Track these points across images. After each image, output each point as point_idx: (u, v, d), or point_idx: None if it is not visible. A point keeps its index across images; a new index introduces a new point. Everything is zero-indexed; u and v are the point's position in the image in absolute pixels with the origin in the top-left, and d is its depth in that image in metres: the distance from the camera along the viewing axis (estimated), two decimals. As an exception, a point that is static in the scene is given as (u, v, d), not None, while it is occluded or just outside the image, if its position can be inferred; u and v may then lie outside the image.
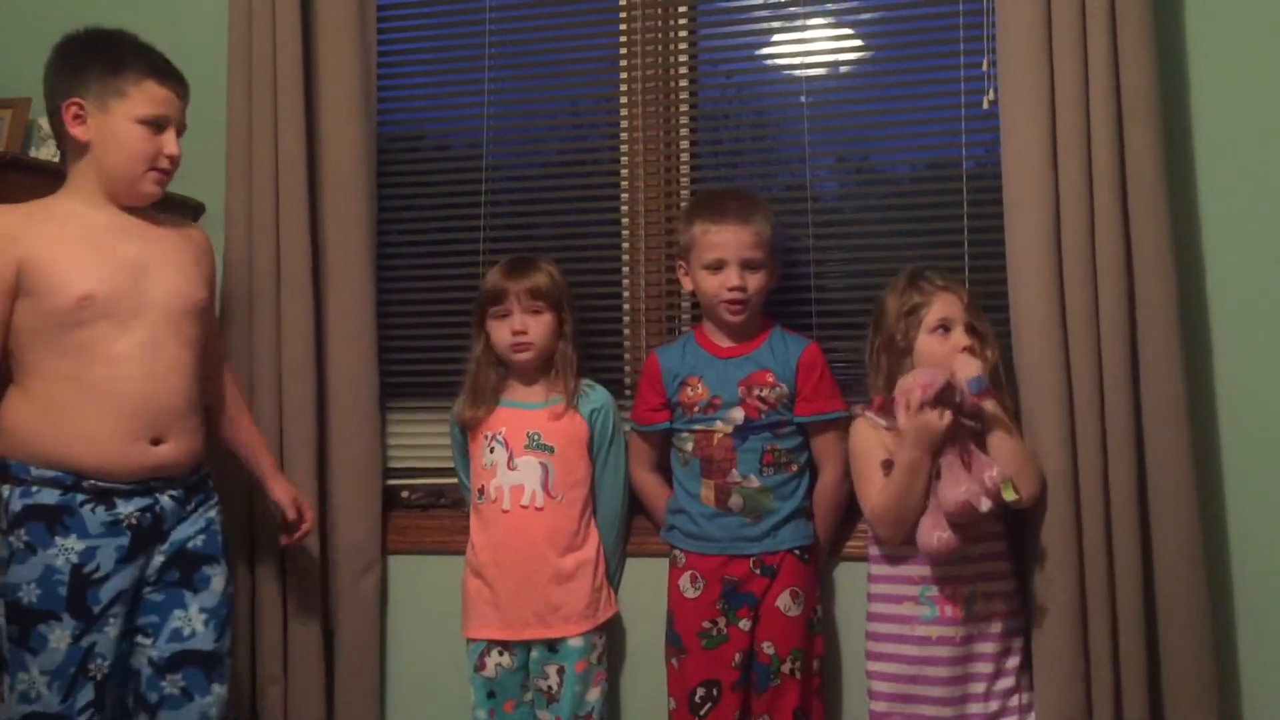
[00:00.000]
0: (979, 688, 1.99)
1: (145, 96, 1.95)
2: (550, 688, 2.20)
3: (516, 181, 2.54)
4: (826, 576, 2.28)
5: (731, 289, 2.12)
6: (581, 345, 2.34)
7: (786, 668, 2.11)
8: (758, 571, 2.13)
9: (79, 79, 1.95)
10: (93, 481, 1.90)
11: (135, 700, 1.97)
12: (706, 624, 2.14)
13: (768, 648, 2.12)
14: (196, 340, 2.01)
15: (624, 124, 2.47)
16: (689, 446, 2.18)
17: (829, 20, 2.39)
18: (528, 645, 2.22)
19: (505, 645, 2.22)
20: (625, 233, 2.46)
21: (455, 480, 2.42)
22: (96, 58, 1.97)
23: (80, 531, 1.88)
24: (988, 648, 2.00)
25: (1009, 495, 1.87)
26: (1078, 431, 2.01)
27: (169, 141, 1.97)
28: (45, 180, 2.18)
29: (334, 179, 2.40)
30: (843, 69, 2.40)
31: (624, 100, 2.47)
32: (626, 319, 2.46)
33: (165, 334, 1.95)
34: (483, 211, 2.50)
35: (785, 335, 2.21)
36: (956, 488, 1.89)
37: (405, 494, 2.52)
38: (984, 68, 2.19)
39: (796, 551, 2.15)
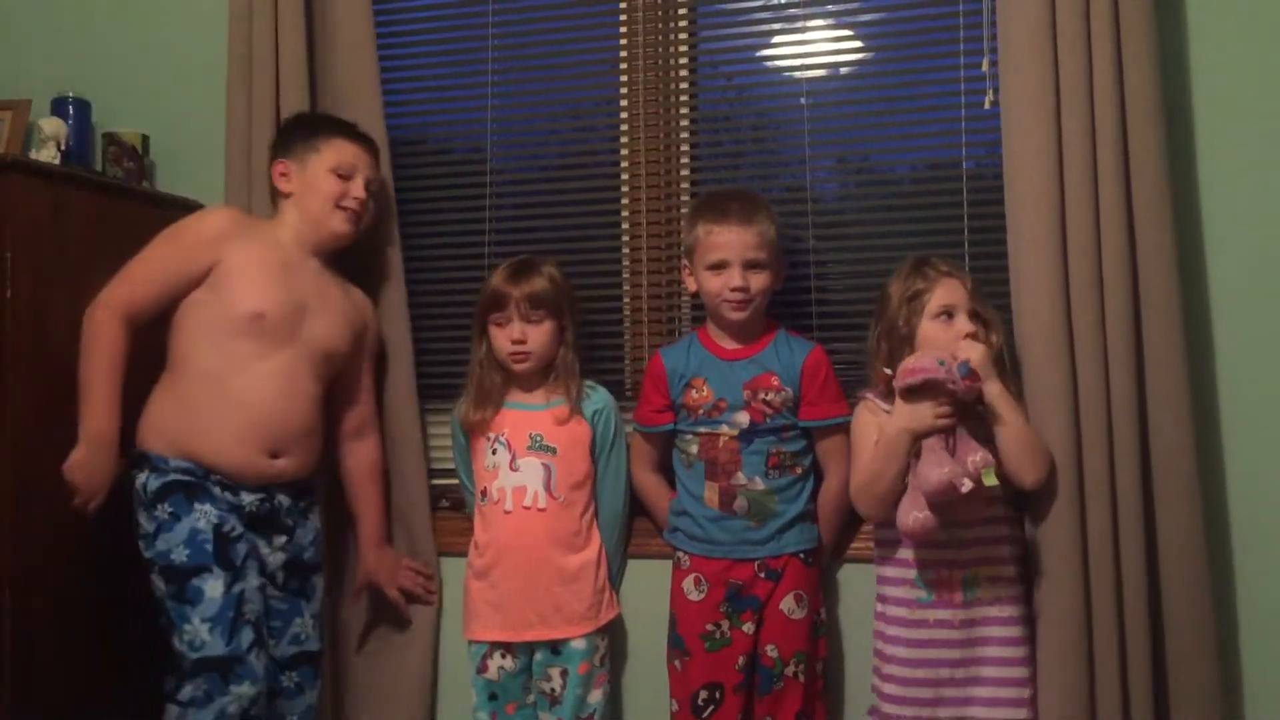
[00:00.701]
0: (988, 672, 1.98)
1: (334, 150, 2.25)
2: (553, 689, 2.20)
3: (519, 184, 2.54)
4: (831, 579, 2.28)
5: (734, 289, 2.12)
6: (583, 347, 2.34)
7: (790, 671, 2.11)
8: (762, 575, 2.13)
9: (284, 145, 2.29)
10: (221, 476, 2.12)
11: None
12: (710, 626, 2.13)
13: (771, 651, 2.12)
14: (329, 379, 2.27)
15: (625, 126, 2.47)
16: (694, 449, 2.18)
17: (829, 22, 2.39)
18: (531, 647, 2.22)
19: (508, 647, 2.22)
20: (626, 235, 2.46)
21: (456, 481, 2.42)
22: (299, 129, 2.30)
23: (213, 501, 2.10)
24: (994, 632, 1.98)
25: (989, 480, 1.86)
26: (1082, 430, 2.01)
27: (356, 186, 2.25)
28: (46, 183, 2.18)
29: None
30: (842, 70, 2.40)
31: (625, 103, 2.47)
32: (627, 321, 2.46)
33: (306, 368, 2.19)
34: (487, 214, 2.50)
35: (790, 338, 2.21)
36: (939, 469, 1.88)
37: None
38: (984, 68, 2.20)
39: (801, 555, 2.15)
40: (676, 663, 2.17)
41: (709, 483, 2.16)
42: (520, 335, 2.22)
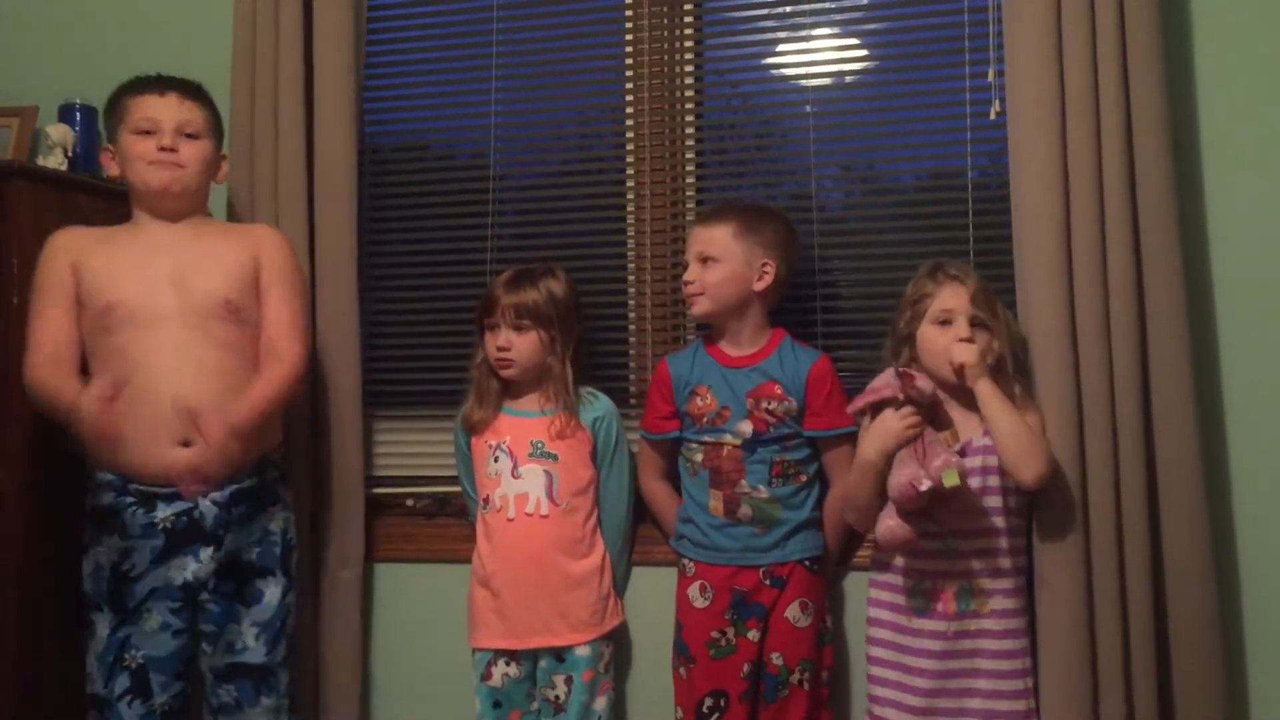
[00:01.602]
0: (983, 684, 1.97)
1: (130, 111, 2.11)
2: (558, 697, 2.20)
3: (523, 191, 2.55)
4: (836, 586, 2.28)
5: (686, 281, 2.19)
6: (587, 354, 2.34)
7: (795, 678, 2.11)
8: (767, 582, 2.13)
9: (105, 129, 2.18)
10: (136, 485, 2.02)
11: (205, 703, 2.14)
12: (715, 634, 2.14)
13: (776, 659, 2.12)
14: (237, 341, 2.08)
15: (630, 134, 2.47)
16: (698, 457, 2.19)
17: (834, 30, 2.39)
18: (535, 655, 2.21)
19: (512, 655, 2.22)
20: (631, 242, 2.47)
21: (459, 489, 2.42)
22: (107, 107, 2.17)
23: (121, 533, 2.02)
24: (988, 644, 1.98)
25: (950, 480, 1.87)
26: (1088, 438, 2.01)
27: (160, 138, 2.08)
28: (52, 190, 2.19)
29: (325, 187, 2.40)
30: (848, 79, 2.40)
31: (630, 110, 2.47)
32: (632, 328, 2.46)
33: (194, 336, 2.03)
34: (489, 221, 2.51)
35: (795, 346, 2.21)
36: (901, 472, 1.91)
37: (410, 502, 2.52)
38: (989, 78, 2.20)
39: (806, 562, 2.15)
40: (682, 670, 2.17)
41: (713, 490, 2.17)
42: (505, 343, 2.23)
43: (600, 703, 2.21)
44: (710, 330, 2.27)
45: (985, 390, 1.94)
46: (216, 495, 2.05)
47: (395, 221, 2.53)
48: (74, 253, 2.07)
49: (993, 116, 2.18)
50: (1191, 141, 2.15)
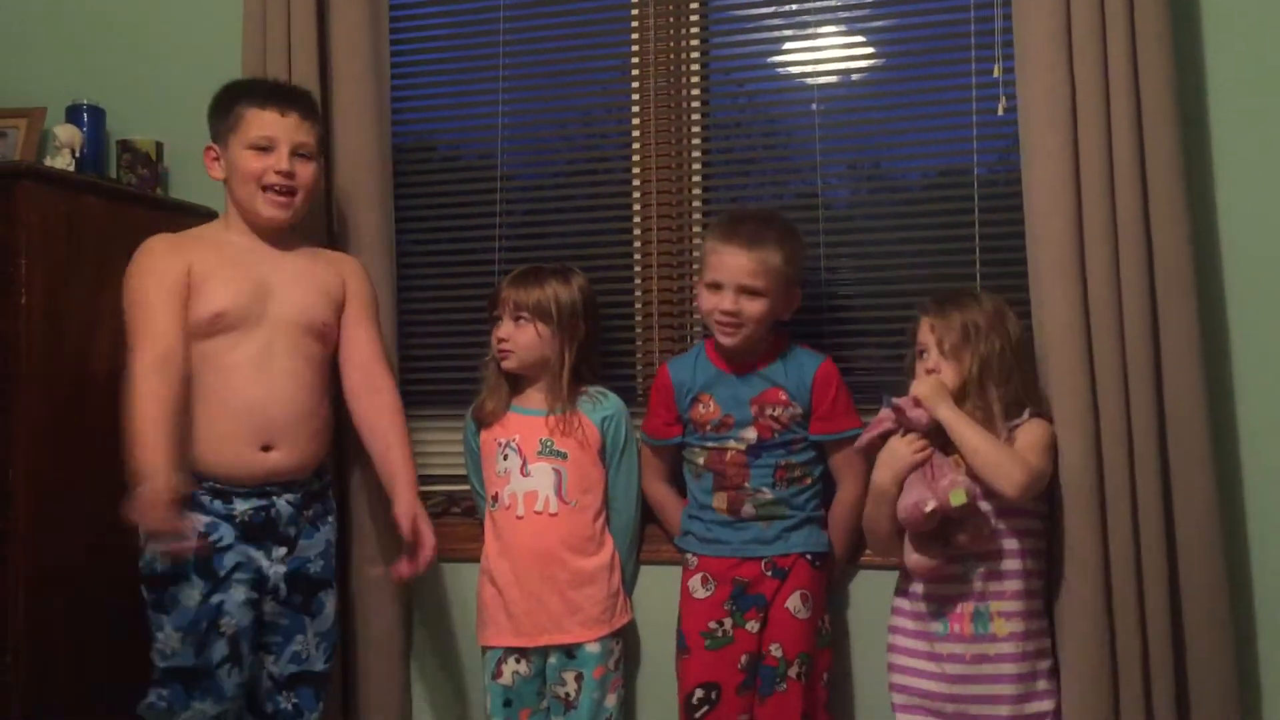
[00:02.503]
0: (1002, 710, 1.96)
1: (248, 123, 2.11)
2: (568, 694, 2.19)
3: (530, 191, 2.55)
4: (844, 587, 2.28)
5: (724, 312, 2.09)
6: (594, 354, 2.34)
7: (794, 671, 2.10)
8: (769, 573, 2.13)
9: (211, 128, 2.16)
10: (211, 483, 2.04)
11: (251, 705, 2.12)
12: (713, 624, 2.13)
13: (775, 650, 2.11)
14: (318, 356, 2.15)
15: (636, 133, 2.47)
16: (701, 460, 2.19)
17: (840, 28, 2.39)
18: (545, 652, 2.21)
19: (523, 653, 2.22)
20: (637, 241, 2.47)
21: (468, 487, 2.42)
22: (217, 106, 2.16)
23: (202, 511, 2.03)
24: (1007, 669, 1.96)
25: (957, 500, 1.88)
26: (1103, 436, 2.00)
27: (277, 160, 2.10)
28: (60, 190, 2.20)
29: (347, 188, 2.40)
30: (854, 77, 2.40)
31: (636, 109, 2.48)
32: (639, 327, 2.46)
33: (281, 348, 2.09)
34: (497, 220, 2.51)
35: (800, 350, 2.19)
36: (909, 494, 1.93)
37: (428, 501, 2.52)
38: (996, 74, 2.20)
39: (809, 556, 2.15)
40: (679, 661, 2.18)
41: (717, 491, 2.17)
42: (505, 334, 2.25)
43: (611, 700, 2.21)
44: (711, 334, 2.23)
45: (945, 415, 1.96)
46: (290, 496, 2.10)
47: (402, 222, 2.53)
48: (187, 259, 2.07)
49: (1000, 113, 2.18)
50: (1202, 135, 2.14)
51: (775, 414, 2.13)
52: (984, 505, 1.95)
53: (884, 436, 2.02)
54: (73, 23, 2.72)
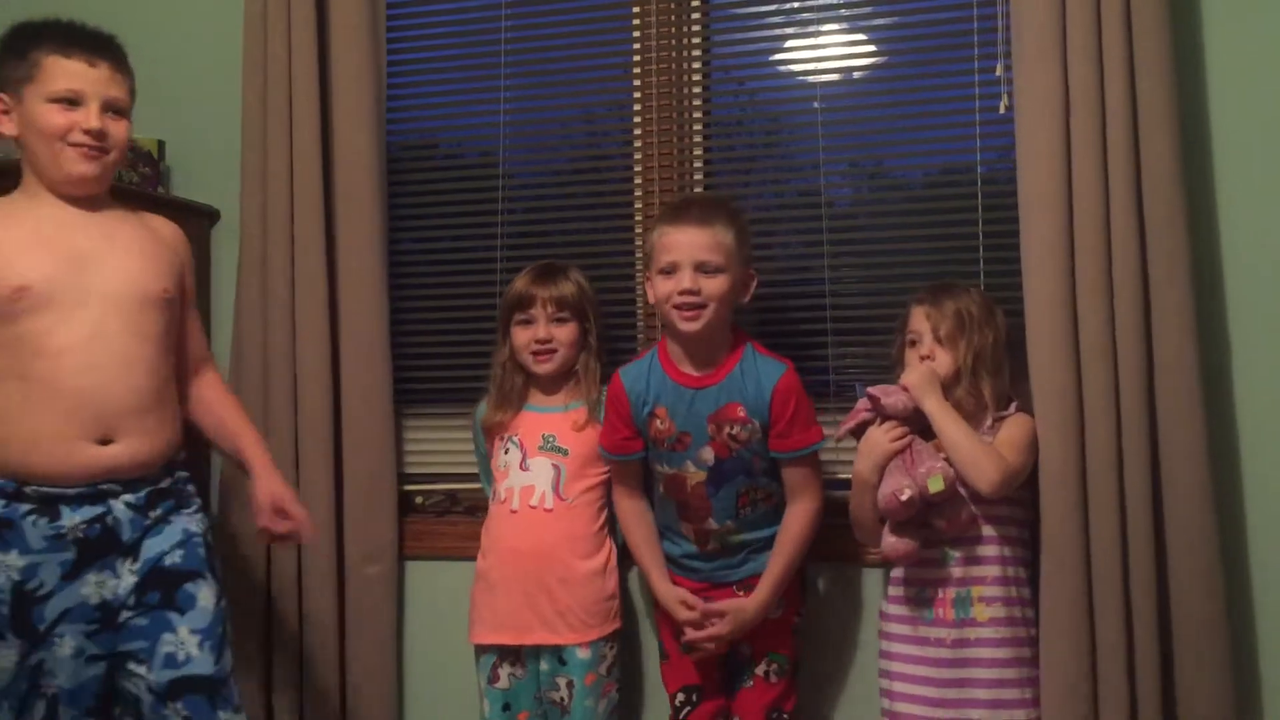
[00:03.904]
0: (981, 694, 1.96)
1: (49, 73, 1.83)
2: (562, 699, 2.17)
3: (531, 189, 2.55)
4: (837, 586, 2.27)
5: (682, 292, 1.99)
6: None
7: (760, 670, 2.10)
8: (741, 593, 2.10)
9: (1, 72, 1.87)
10: (36, 487, 1.78)
11: None
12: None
13: (744, 649, 2.11)
14: (157, 334, 1.90)
15: (638, 131, 2.47)
16: (661, 488, 2.14)
17: (842, 26, 2.39)
18: (537, 656, 2.19)
19: (516, 657, 2.20)
20: (639, 239, 2.46)
21: (470, 485, 2.42)
22: (9, 49, 1.88)
23: (21, 547, 1.76)
24: (985, 653, 1.97)
25: (935, 486, 1.89)
26: (1089, 435, 2.00)
27: (87, 116, 1.83)
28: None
29: (346, 186, 2.41)
30: (856, 75, 2.40)
31: (638, 108, 2.47)
32: (640, 325, 2.46)
33: (114, 326, 1.84)
34: (499, 219, 2.51)
35: (758, 356, 2.08)
36: (887, 482, 1.94)
37: (420, 499, 2.52)
38: (998, 72, 2.20)
39: None
40: (661, 667, 2.19)
41: (683, 521, 2.13)
42: (546, 334, 2.21)
43: (603, 705, 2.18)
44: (665, 340, 2.14)
45: (930, 406, 1.99)
46: (129, 497, 1.83)
47: (403, 220, 2.53)
48: None
49: (1001, 111, 2.17)
50: (1200, 135, 2.13)
51: (734, 432, 2.05)
52: (963, 492, 1.97)
53: (862, 426, 2.03)
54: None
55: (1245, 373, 2.12)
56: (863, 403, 2.03)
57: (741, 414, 2.05)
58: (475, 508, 2.43)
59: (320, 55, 2.40)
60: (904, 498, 1.90)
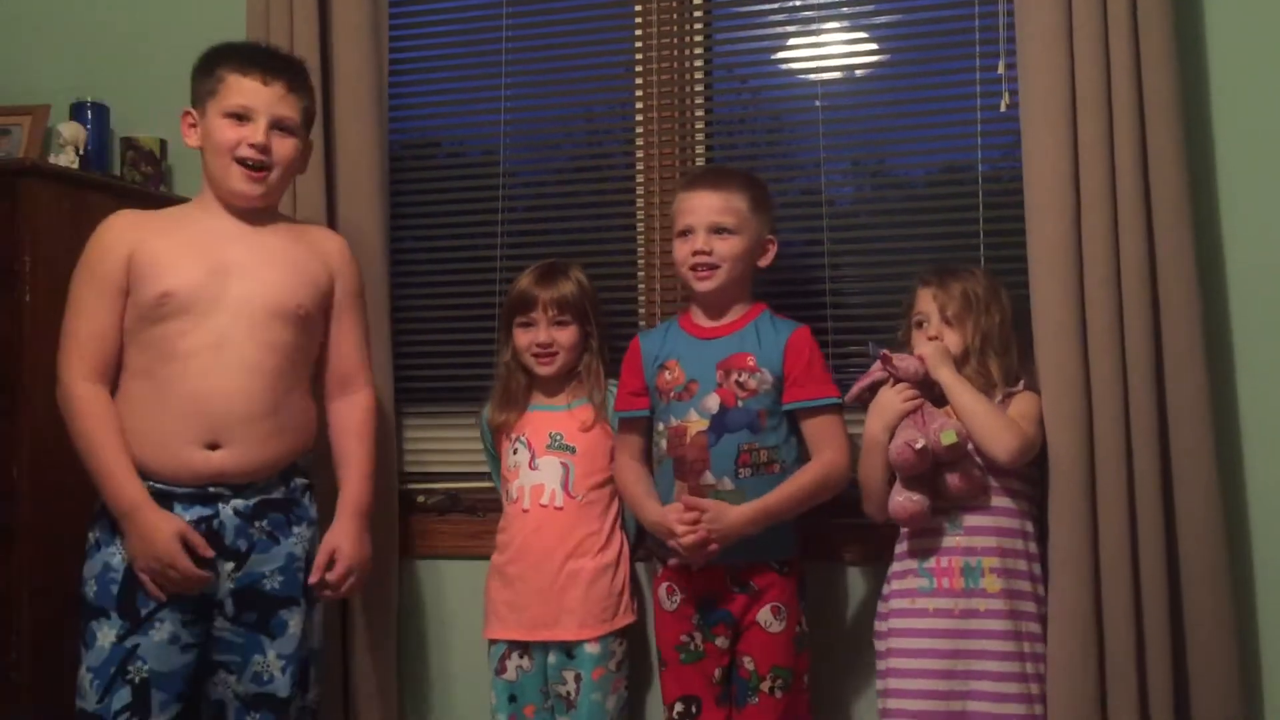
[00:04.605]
0: (991, 666, 1.94)
1: (227, 89, 1.96)
2: (569, 693, 2.18)
3: (532, 187, 2.55)
4: (838, 584, 2.27)
5: (696, 253, 2.06)
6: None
7: (765, 685, 2.04)
8: (735, 588, 2.05)
9: (192, 90, 2.02)
10: (152, 483, 1.89)
11: None
12: (684, 637, 2.09)
13: (748, 663, 2.06)
14: (285, 345, 1.97)
15: (639, 129, 2.47)
16: (663, 444, 2.10)
17: (843, 24, 2.39)
18: (545, 649, 2.20)
19: (525, 648, 2.21)
20: (641, 238, 2.46)
21: (471, 485, 2.43)
22: (200, 67, 2.02)
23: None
24: (995, 625, 1.95)
25: (948, 439, 1.91)
26: (1098, 433, 2.00)
27: (254, 131, 1.94)
28: (64, 188, 2.20)
29: (348, 184, 2.41)
30: (857, 73, 2.40)
31: (639, 106, 2.47)
32: (642, 323, 2.45)
33: (240, 334, 1.92)
34: (500, 218, 2.51)
35: (774, 319, 2.12)
36: (900, 436, 1.96)
37: (421, 498, 2.53)
38: (999, 70, 2.19)
39: (776, 565, 2.07)
40: (659, 671, 2.16)
41: (678, 482, 2.07)
42: (547, 338, 2.22)
43: (611, 701, 2.19)
44: (687, 306, 2.20)
45: (945, 377, 2.01)
46: (239, 503, 1.93)
47: (404, 218, 2.53)
48: (131, 243, 1.94)
49: (1002, 109, 2.17)
50: (1205, 134, 2.13)
51: (741, 379, 2.05)
52: (977, 459, 1.98)
53: (873, 388, 2.04)
54: (76, 20, 2.72)
55: (1249, 370, 2.12)
56: (876, 365, 2.04)
57: (751, 363, 2.06)
58: (476, 507, 2.43)
59: (322, 53, 2.40)
60: (917, 446, 1.90)
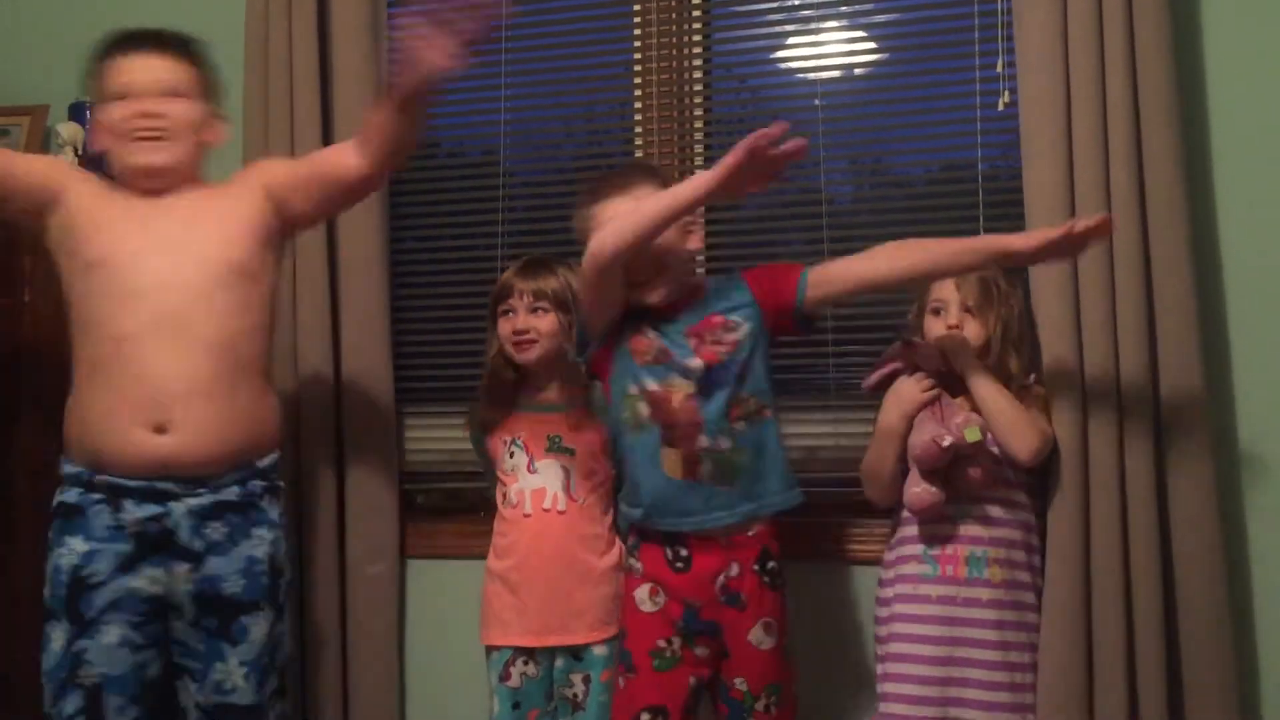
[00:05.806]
0: (987, 655, 1.95)
1: (110, 75, 1.89)
2: (576, 695, 2.16)
3: (533, 187, 2.55)
4: (841, 584, 2.27)
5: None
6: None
7: (760, 705, 1.96)
8: (723, 599, 1.94)
9: (90, 94, 1.95)
10: (104, 477, 1.82)
11: None
12: (661, 642, 1.95)
13: (740, 684, 1.95)
14: (236, 307, 1.86)
15: (639, 129, 2.48)
16: (644, 410, 1.94)
17: (842, 23, 2.39)
18: (552, 653, 2.18)
19: (530, 654, 2.18)
20: (640, 237, 2.46)
21: (471, 484, 2.42)
22: (88, 72, 1.94)
23: (86, 534, 1.82)
24: (991, 615, 1.95)
25: (972, 436, 1.90)
26: (1092, 432, 2.00)
27: (140, 103, 1.85)
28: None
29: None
30: (856, 72, 2.40)
31: (639, 105, 2.48)
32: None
33: (189, 311, 1.82)
34: (500, 217, 2.51)
35: (718, 277, 2.07)
36: (923, 430, 1.95)
37: (421, 498, 2.53)
38: (998, 68, 2.20)
39: (766, 579, 1.95)
40: (620, 680, 2.00)
41: (665, 448, 1.93)
42: (524, 324, 2.20)
43: (616, 702, 2.19)
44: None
45: (970, 371, 2.00)
46: (192, 502, 1.83)
47: (404, 218, 2.54)
48: (73, 177, 1.90)
49: (1000, 108, 2.18)
50: (1202, 132, 2.14)
51: (717, 338, 1.94)
52: (994, 450, 1.98)
53: (891, 377, 2.04)
54: (75, 20, 2.72)
55: (1245, 367, 2.12)
56: (893, 354, 2.04)
57: (719, 320, 1.95)
58: (477, 506, 2.43)
59: (322, 53, 2.41)
60: (944, 444, 1.89)
